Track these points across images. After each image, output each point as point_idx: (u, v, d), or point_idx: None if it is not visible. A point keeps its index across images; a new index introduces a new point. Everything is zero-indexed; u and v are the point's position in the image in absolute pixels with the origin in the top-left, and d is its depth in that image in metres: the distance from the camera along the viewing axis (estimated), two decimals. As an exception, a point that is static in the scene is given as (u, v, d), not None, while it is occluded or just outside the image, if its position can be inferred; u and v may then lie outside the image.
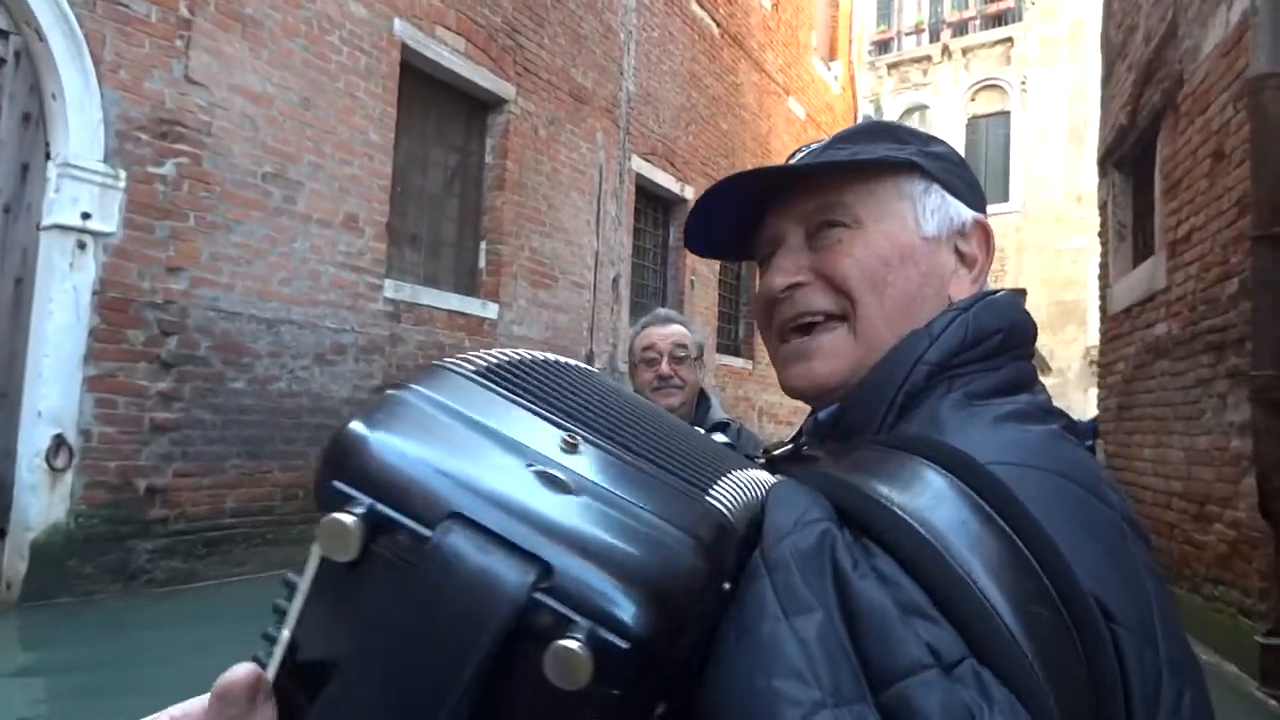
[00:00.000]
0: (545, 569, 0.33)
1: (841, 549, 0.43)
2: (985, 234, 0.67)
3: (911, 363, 0.57)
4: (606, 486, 0.37)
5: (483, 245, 7.41)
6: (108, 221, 4.55)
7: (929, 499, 0.45)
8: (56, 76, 4.39)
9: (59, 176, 4.41)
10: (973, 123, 21.91)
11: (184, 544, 4.93)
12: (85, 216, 4.45)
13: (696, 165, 10.54)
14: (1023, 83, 21.07)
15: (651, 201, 10.07)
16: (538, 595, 0.32)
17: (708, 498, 0.41)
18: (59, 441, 4.34)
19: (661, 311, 2.35)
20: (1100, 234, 7.04)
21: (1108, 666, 0.42)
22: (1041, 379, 0.62)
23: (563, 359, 0.52)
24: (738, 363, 11.64)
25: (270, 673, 0.36)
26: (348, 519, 0.33)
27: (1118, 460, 6.19)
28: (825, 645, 0.39)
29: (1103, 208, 6.93)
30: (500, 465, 0.36)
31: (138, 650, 3.94)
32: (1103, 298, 6.82)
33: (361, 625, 0.34)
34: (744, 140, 11.77)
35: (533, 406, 0.41)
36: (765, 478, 0.50)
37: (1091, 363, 19.06)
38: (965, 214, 0.66)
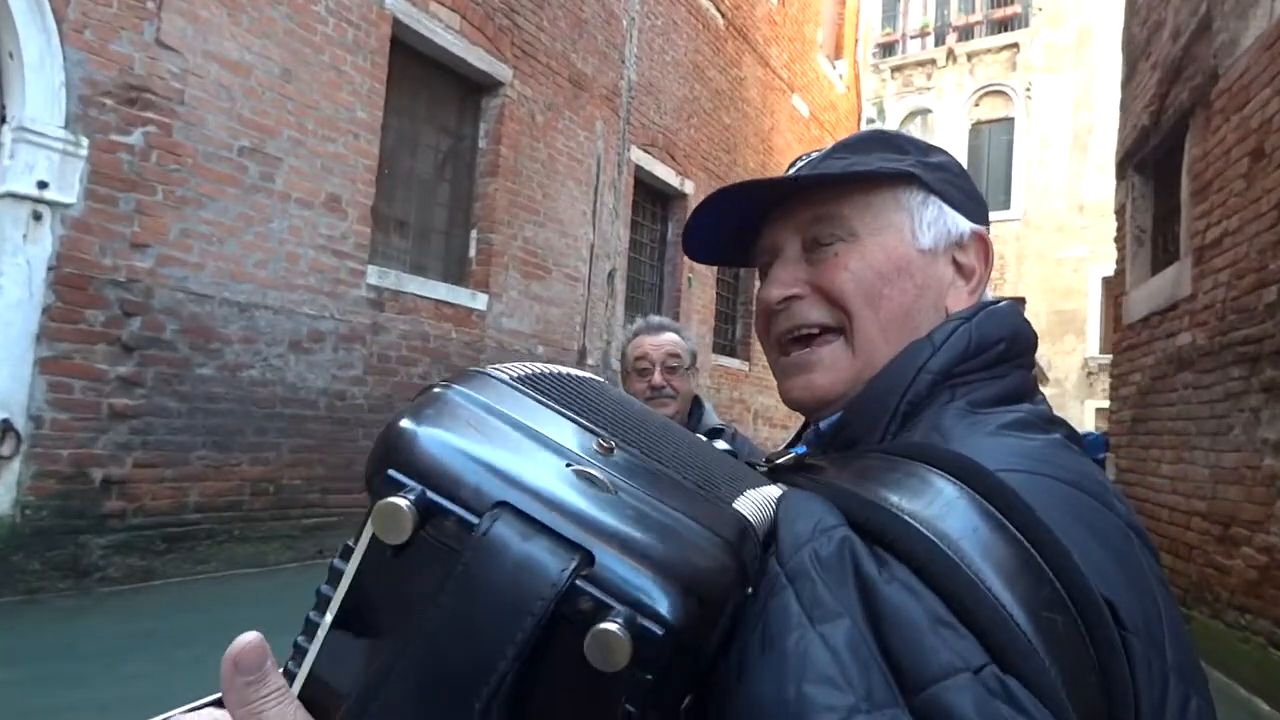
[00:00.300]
0: (587, 557, 0.34)
1: (864, 555, 0.42)
2: (984, 246, 0.66)
3: (914, 372, 0.57)
4: (641, 488, 0.39)
5: (473, 233, 7.10)
6: (67, 192, 4.23)
7: (939, 507, 0.44)
8: (14, 33, 4.07)
9: (14, 141, 4.08)
10: (976, 128, 21.69)
11: (142, 539, 4.61)
12: (42, 185, 4.13)
13: (697, 159, 10.25)
14: (1027, 89, 20.86)
15: (650, 195, 9.78)
16: (579, 582, 0.33)
17: (734, 505, 0.43)
18: (5, 427, 4.01)
19: (654, 319, 2.29)
20: (1117, 240, 6.77)
21: (1120, 673, 0.42)
22: (1040, 389, 0.62)
23: (585, 374, 0.53)
24: (734, 364, 11.36)
25: (312, 653, 0.37)
26: (402, 502, 0.34)
27: (1131, 476, 5.93)
28: (855, 651, 0.38)
29: (1120, 212, 6.66)
30: (543, 462, 0.38)
31: (85, 651, 3.62)
32: (1117, 306, 6.55)
33: (406, 608, 0.35)
34: (746, 136, 11.48)
35: (568, 413, 0.43)
36: (775, 494, 0.50)
37: (1089, 374, 18.90)
38: (963, 225, 0.65)
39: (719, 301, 11.21)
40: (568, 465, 0.38)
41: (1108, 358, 18.92)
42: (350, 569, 0.37)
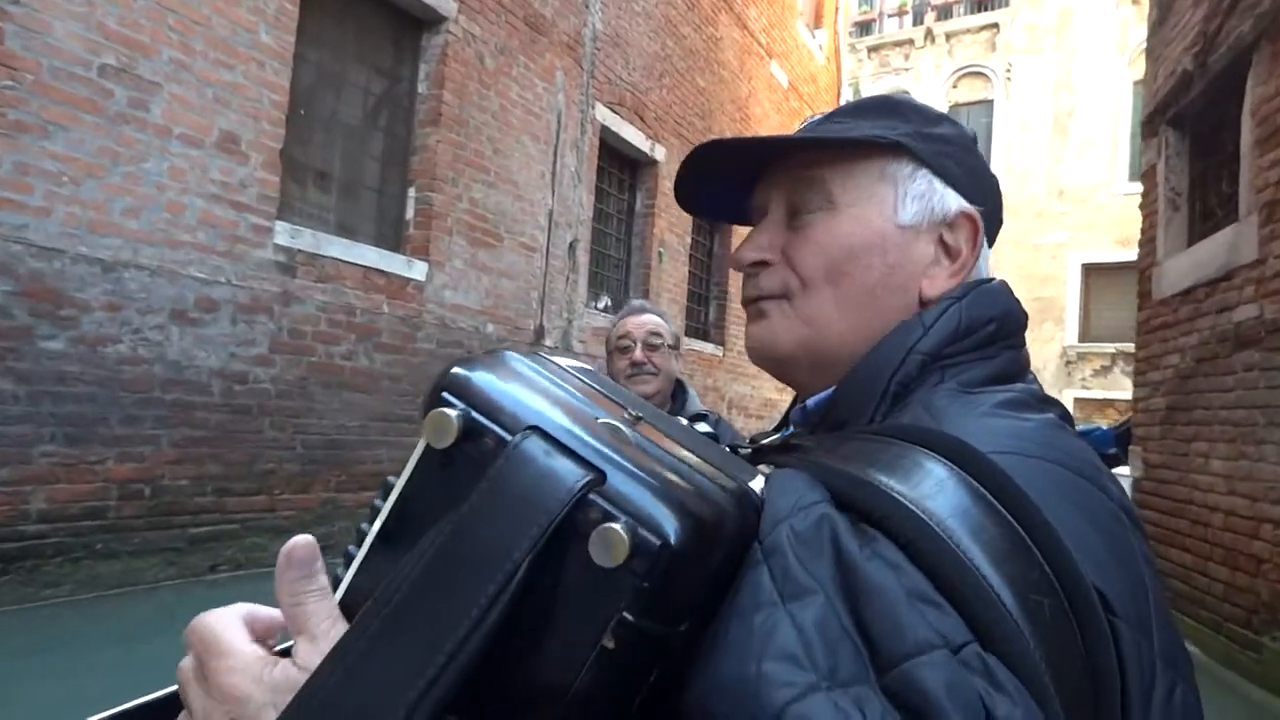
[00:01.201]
0: (600, 475, 0.38)
1: (844, 530, 0.43)
2: (973, 227, 0.63)
3: (904, 352, 0.57)
4: (661, 446, 0.42)
5: (411, 191, 6.13)
6: None
7: (929, 487, 0.44)
8: None
9: None
10: (954, 110, 21.02)
11: (-36, 558, 3.62)
12: None
13: (669, 124, 9.34)
14: (1007, 71, 20.28)
15: (617, 160, 8.85)
16: (591, 495, 0.37)
17: (744, 479, 0.46)
18: None
19: (637, 302, 2.35)
20: (1143, 205, 6.00)
21: (1107, 658, 0.41)
22: (1030, 370, 0.62)
23: (594, 368, 0.56)
24: (708, 348, 10.50)
25: (359, 559, 0.42)
26: (451, 412, 0.39)
27: (1166, 472, 5.16)
28: (824, 629, 0.39)
29: (1148, 174, 5.89)
30: (576, 408, 0.42)
31: None
32: (1145, 282, 5.79)
33: (445, 508, 0.39)
34: (722, 102, 10.59)
35: (603, 391, 0.47)
36: (759, 482, 0.51)
37: (1068, 363, 18.40)
38: (952, 204, 0.62)
39: (691, 281, 10.33)
40: (597, 418, 0.42)
41: (1087, 346, 18.72)
42: (402, 479, 0.41)
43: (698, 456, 0.44)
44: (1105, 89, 18.73)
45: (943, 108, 20.66)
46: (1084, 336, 18.25)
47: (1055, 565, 0.42)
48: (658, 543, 0.36)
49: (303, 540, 0.40)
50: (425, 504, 0.40)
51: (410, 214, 6.11)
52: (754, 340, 0.65)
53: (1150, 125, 5.79)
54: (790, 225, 0.64)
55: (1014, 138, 19.81)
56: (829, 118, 0.65)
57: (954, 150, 0.63)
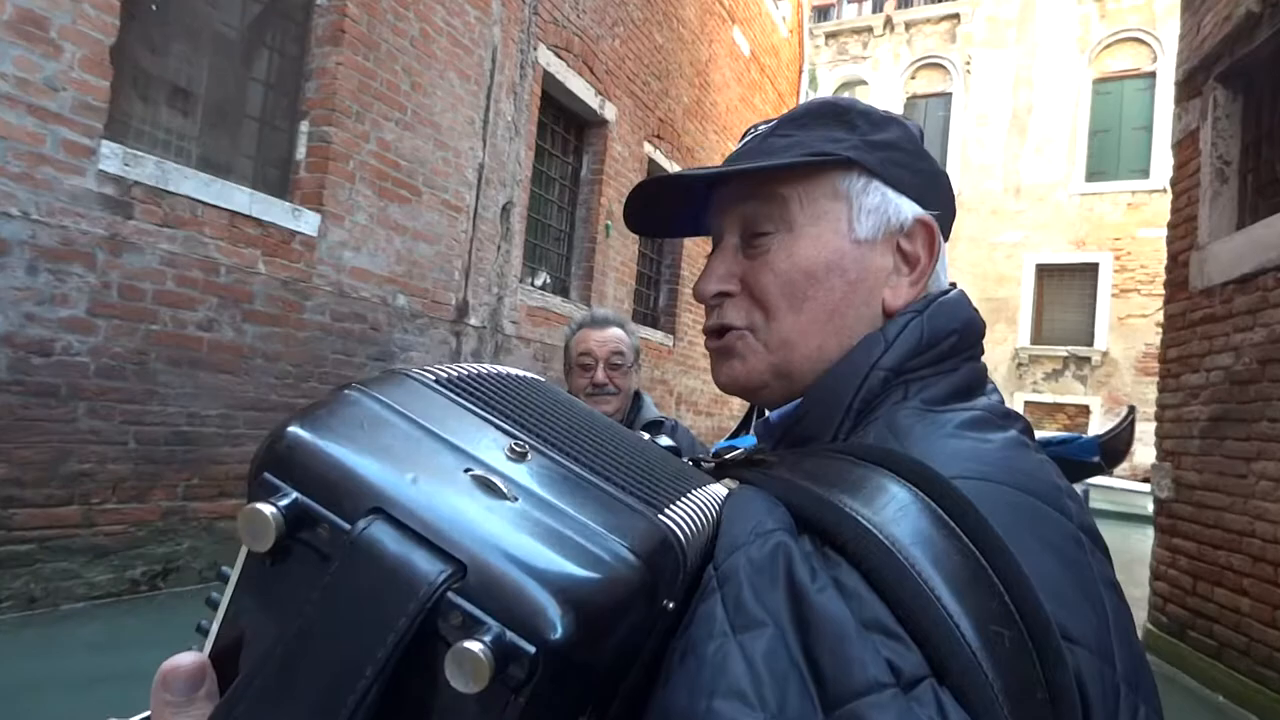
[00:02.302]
0: (460, 568, 0.32)
1: (798, 561, 0.41)
2: (929, 233, 0.62)
3: (867, 369, 0.56)
4: (547, 495, 0.37)
5: (304, 125, 4.91)
6: None
7: (893, 511, 0.43)
8: None
9: None
10: (912, 102, 20.49)
11: None
12: None
13: (622, 80, 8.25)
14: (967, 63, 19.76)
15: (562, 116, 7.73)
16: (450, 595, 0.32)
17: (660, 515, 0.40)
18: None
19: (600, 312, 2.21)
20: (1177, 180, 5.15)
21: (1067, 688, 0.41)
22: (990, 379, 0.62)
23: (537, 379, 0.52)
24: (656, 337, 9.46)
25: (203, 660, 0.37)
26: (266, 509, 0.33)
27: (1212, 496, 4.31)
28: (773, 663, 0.38)
29: (1184, 142, 5.04)
30: (435, 467, 0.36)
31: None
32: (1182, 268, 4.94)
33: (282, 616, 0.34)
34: (680, 63, 9.54)
35: (485, 414, 0.42)
36: (721, 493, 0.50)
37: (1020, 365, 18.00)
38: (907, 212, 0.62)
39: (641, 262, 9.28)
40: (465, 470, 0.37)
41: (1039, 348, 18.20)
42: (233, 576, 0.36)
43: (607, 491, 0.40)
44: (1065, 86, 18.35)
45: (900, 99, 20.17)
46: (1036, 339, 17.87)
47: (1015, 595, 0.41)
48: (532, 649, 0.31)
49: (186, 663, 0.35)
50: (262, 599, 0.35)
51: (301, 152, 4.90)
52: (725, 376, 0.64)
53: (1190, 84, 4.94)
54: (745, 251, 0.63)
55: (971, 133, 19.30)
56: (773, 131, 0.64)
57: (903, 156, 0.62)
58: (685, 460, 0.56)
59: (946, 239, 0.64)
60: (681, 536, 0.40)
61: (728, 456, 0.59)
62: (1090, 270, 17.66)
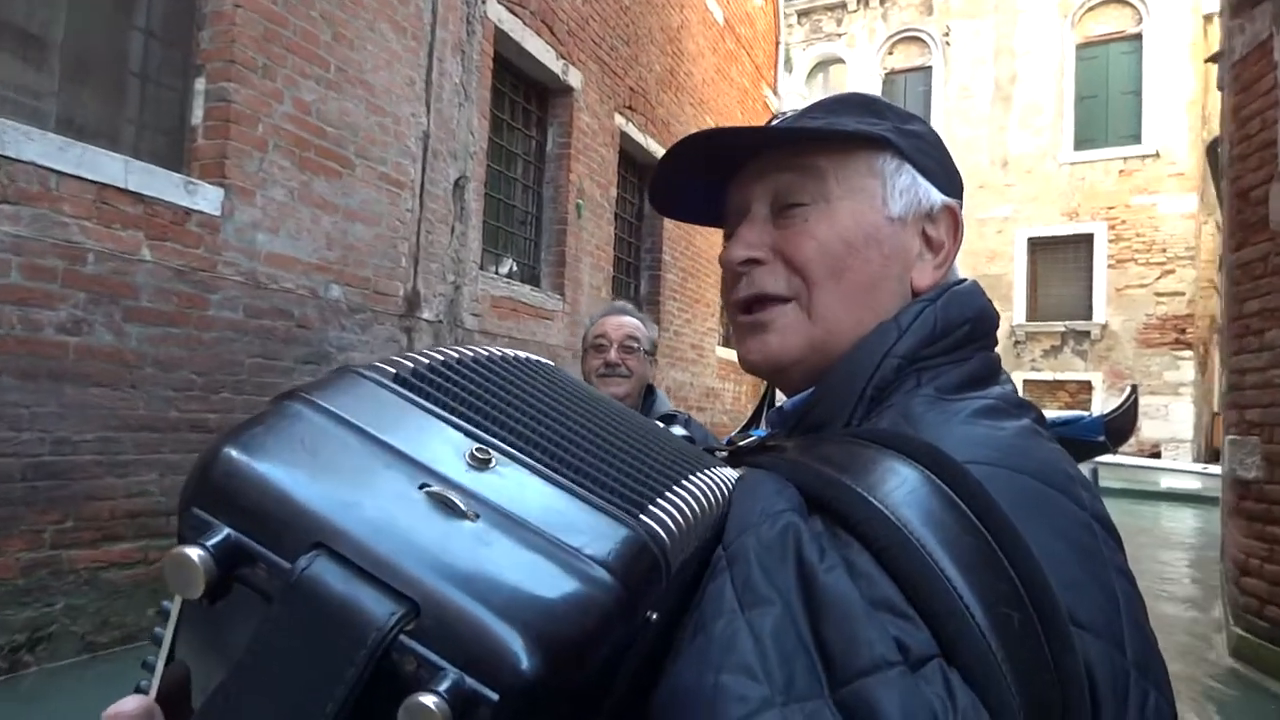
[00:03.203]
0: (412, 607, 0.30)
1: (807, 540, 0.42)
2: (954, 220, 0.64)
3: (880, 356, 0.56)
4: (511, 510, 0.34)
5: (199, 82, 4.05)
6: None
7: (903, 492, 0.44)
8: None
9: None
10: (890, 78, 19.83)
11: None
12: None
13: (587, 43, 7.42)
14: (945, 35, 19.10)
15: (521, 82, 6.89)
16: (401, 638, 0.29)
17: (642, 517, 0.37)
18: None
19: (618, 303, 2.29)
20: (1240, 105, 4.38)
21: (1075, 673, 0.41)
22: (1004, 369, 0.62)
23: (523, 356, 0.49)
24: (639, 327, 8.64)
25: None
26: (193, 553, 0.30)
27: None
28: (780, 640, 0.38)
29: (1249, 58, 4.26)
30: (387, 488, 0.33)
31: None
32: (1246, 203, 4.17)
33: (224, 661, 0.32)
34: (650, 28, 8.72)
35: (448, 414, 0.38)
36: (730, 475, 0.50)
37: (1017, 343, 17.33)
38: (935, 197, 0.63)
39: (619, 246, 8.45)
40: (421, 488, 0.33)
41: (1036, 325, 17.45)
42: (172, 614, 0.34)
43: (583, 494, 0.36)
44: (1048, 53, 17.75)
45: (878, 75, 19.45)
46: (1032, 315, 17.25)
47: (1024, 577, 0.41)
48: (495, 696, 0.29)
49: (129, 709, 0.35)
50: (204, 641, 0.33)
51: (198, 115, 4.03)
52: (757, 353, 0.63)
53: (1251, -9, 4.17)
54: (777, 221, 0.62)
55: (954, 106, 18.64)
56: (804, 114, 0.65)
57: (929, 147, 0.64)
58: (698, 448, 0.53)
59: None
60: (665, 538, 0.37)
61: (741, 444, 0.61)
62: (1084, 241, 17.07)
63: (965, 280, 0.63)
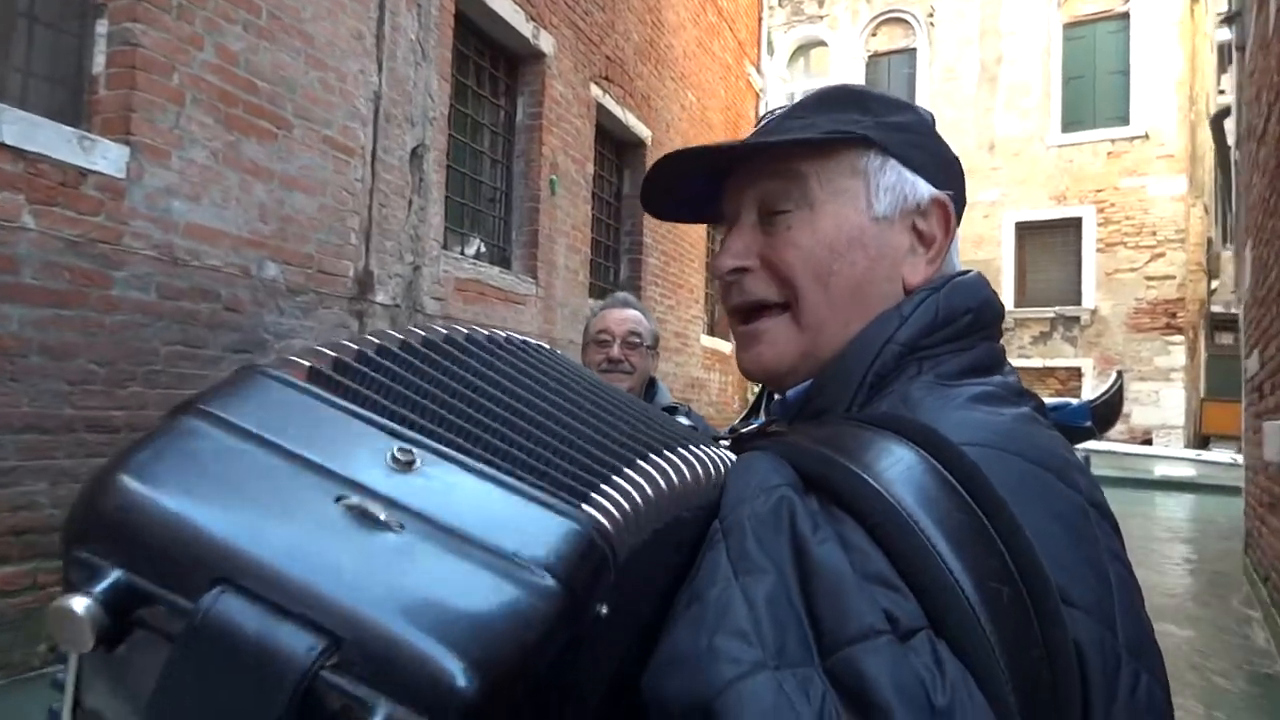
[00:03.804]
0: (333, 641, 0.27)
1: (801, 514, 0.43)
2: (944, 212, 0.63)
3: (881, 343, 0.57)
4: (438, 516, 0.31)
5: (101, 25, 3.45)
6: None
7: (897, 470, 0.44)
8: None
9: None
10: (873, 61, 19.39)
11: None
12: None
13: (559, 6, 6.84)
14: (929, 15, 18.67)
15: (487, 47, 6.31)
16: (324, 674, 0.27)
17: (585, 506, 0.35)
18: None
19: (620, 295, 2.25)
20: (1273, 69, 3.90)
21: (1063, 646, 0.41)
22: (1008, 360, 0.62)
23: (477, 331, 0.46)
24: (619, 314, 8.10)
25: None
26: (79, 605, 0.27)
27: None
28: (774, 607, 0.39)
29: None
30: (299, 506, 0.30)
31: None
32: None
33: (137, 709, 0.29)
34: (628, -5, 8.16)
35: (371, 414, 0.35)
36: (719, 452, 0.51)
37: (1006, 329, 17.01)
38: (923, 191, 0.62)
39: (596, 228, 7.90)
40: (337, 500, 0.31)
41: (1025, 311, 17.09)
42: (70, 667, 0.31)
43: (517, 487, 0.34)
44: (1034, 33, 17.37)
45: (861, 58, 18.97)
46: (1020, 301, 16.88)
47: (1015, 553, 0.42)
48: None
49: None
50: (109, 690, 0.30)
51: (99, 62, 3.43)
52: (752, 363, 0.63)
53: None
54: (764, 228, 0.62)
55: (939, 88, 18.22)
56: (789, 114, 0.64)
57: (917, 138, 0.63)
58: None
59: (958, 224, 0.64)
60: (610, 526, 0.35)
61: (743, 431, 0.62)
62: (1073, 225, 16.74)
63: (969, 271, 0.63)
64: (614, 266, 8.43)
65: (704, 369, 9.98)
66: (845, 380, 0.56)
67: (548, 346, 0.52)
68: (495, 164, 6.49)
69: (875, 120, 0.61)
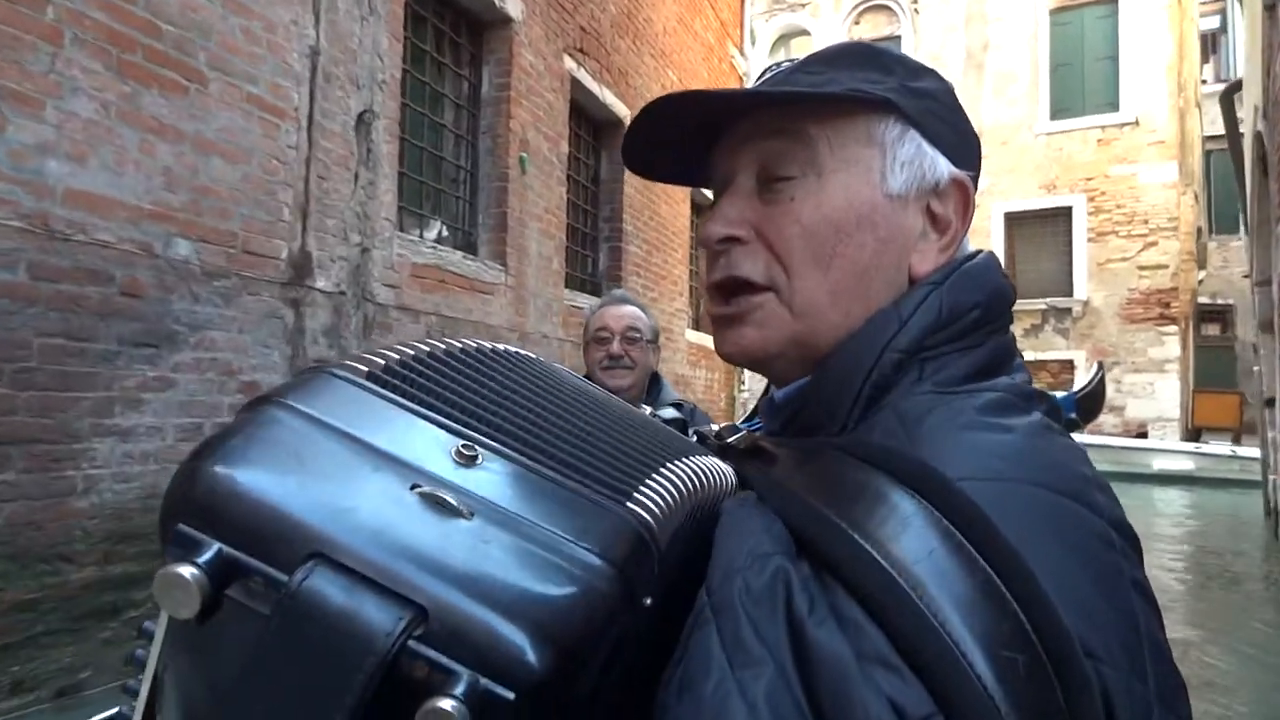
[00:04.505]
0: (419, 612, 0.29)
1: (797, 589, 0.39)
2: (964, 195, 0.58)
3: (879, 350, 0.51)
4: (504, 506, 0.34)
5: (-49, -56, 2.80)
6: None
7: (894, 525, 0.40)
8: None
9: None
10: (857, 49, 18.90)
11: None
12: None
13: (527, -33, 6.22)
14: (914, 2, 18.32)
15: (448, 9, 5.67)
16: (411, 644, 0.29)
17: (628, 504, 0.37)
18: None
19: (617, 292, 2.29)
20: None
21: (1091, 711, 0.37)
22: (1018, 354, 0.57)
23: (495, 345, 0.48)
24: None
25: None
26: (186, 571, 0.29)
27: None
28: (775, 705, 0.35)
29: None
30: (379, 491, 0.32)
31: None
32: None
33: (222, 682, 0.30)
34: (603, -39, 7.55)
35: (431, 413, 0.37)
36: (718, 465, 0.48)
37: (996, 323, 16.65)
38: (943, 169, 0.56)
39: (572, 213, 7.29)
40: (412, 489, 0.33)
41: (1016, 304, 17.11)
42: (157, 636, 0.33)
43: (569, 485, 0.36)
44: (1021, 19, 17.03)
45: (845, 46, 18.81)
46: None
47: (1031, 613, 0.38)
48: (511, 695, 0.29)
49: None
50: (194, 662, 0.32)
51: (-51, -10, 2.78)
52: (733, 345, 0.57)
53: None
54: (762, 196, 0.56)
55: (924, 77, 17.80)
56: (799, 68, 0.58)
57: (942, 109, 0.57)
58: (690, 434, 0.56)
59: (974, 209, 0.60)
60: (651, 522, 0.37)
61: (730, 440, 0.57)
62: (1063, 215, 16.37)
63: (978, 254, 0.57)
64: (592, 255, 7.82)
65: (689, 365, 9.39)
66: (839, 393, 0.51)
67: (565, 368, 0.52)
68: (459, 139, 5.86)
69: (899, 83, 0.54)
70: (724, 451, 0.55)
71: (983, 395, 0.49)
